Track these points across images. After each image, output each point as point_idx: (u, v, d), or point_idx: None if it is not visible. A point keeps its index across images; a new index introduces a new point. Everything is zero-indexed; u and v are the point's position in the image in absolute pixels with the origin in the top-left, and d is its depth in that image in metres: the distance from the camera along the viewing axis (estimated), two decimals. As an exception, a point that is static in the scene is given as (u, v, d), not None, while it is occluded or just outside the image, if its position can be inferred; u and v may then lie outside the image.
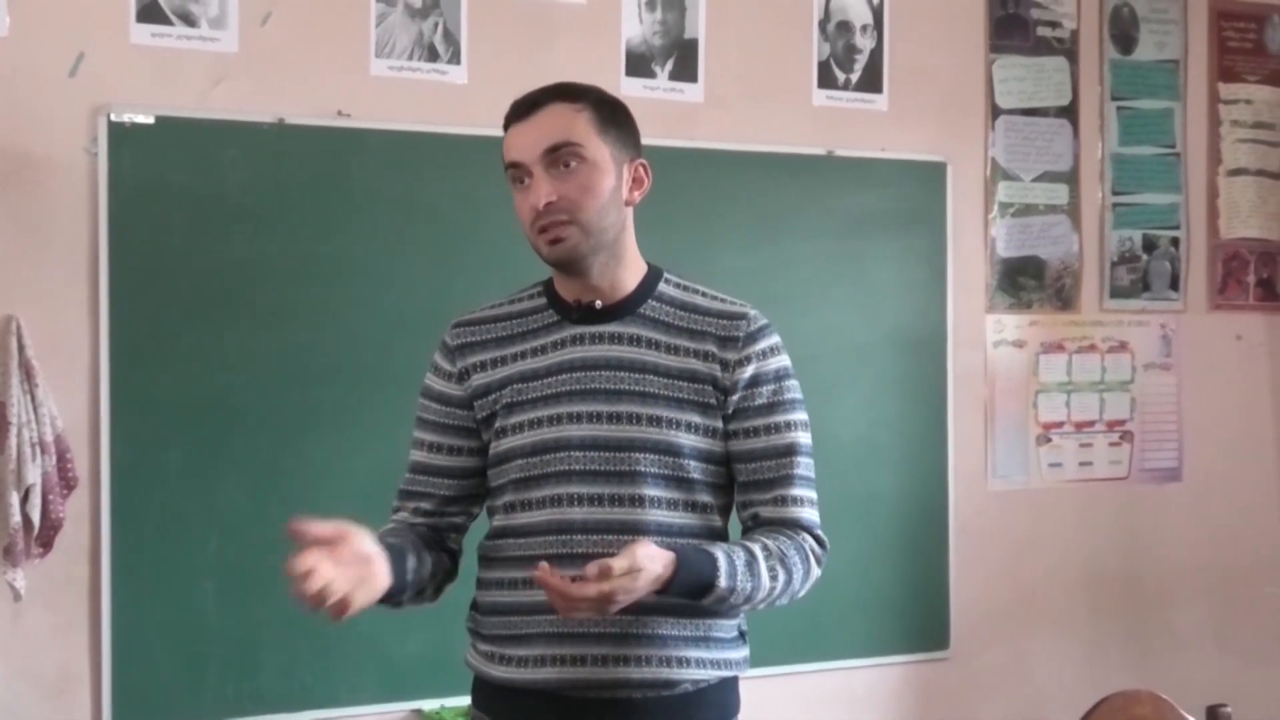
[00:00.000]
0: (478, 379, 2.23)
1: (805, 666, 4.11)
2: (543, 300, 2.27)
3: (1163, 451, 4.71)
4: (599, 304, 2.22)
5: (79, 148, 3.42)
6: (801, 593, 2.22)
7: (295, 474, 3.58)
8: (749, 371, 2.21)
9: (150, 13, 3.49)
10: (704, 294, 2.29)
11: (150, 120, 3.45)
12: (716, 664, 2.20)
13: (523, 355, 2.22)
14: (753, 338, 2.23)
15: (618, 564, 1.93)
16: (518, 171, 2.17)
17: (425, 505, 2.29)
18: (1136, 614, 4.68)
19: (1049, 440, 4.55)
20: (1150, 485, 4.69)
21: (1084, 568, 4.60)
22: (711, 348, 2.21)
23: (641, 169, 2.24)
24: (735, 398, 2.21)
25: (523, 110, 2.18)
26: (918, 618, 4.32)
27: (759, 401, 2.22)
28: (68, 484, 3.35)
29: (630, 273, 2.24)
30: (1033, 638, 4.53)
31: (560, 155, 2.13)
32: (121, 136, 3.42)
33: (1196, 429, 4.75)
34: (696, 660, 2.17)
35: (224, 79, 3.55)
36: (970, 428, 4.42)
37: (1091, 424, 4.61)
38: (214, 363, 3.51)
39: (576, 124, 2.16)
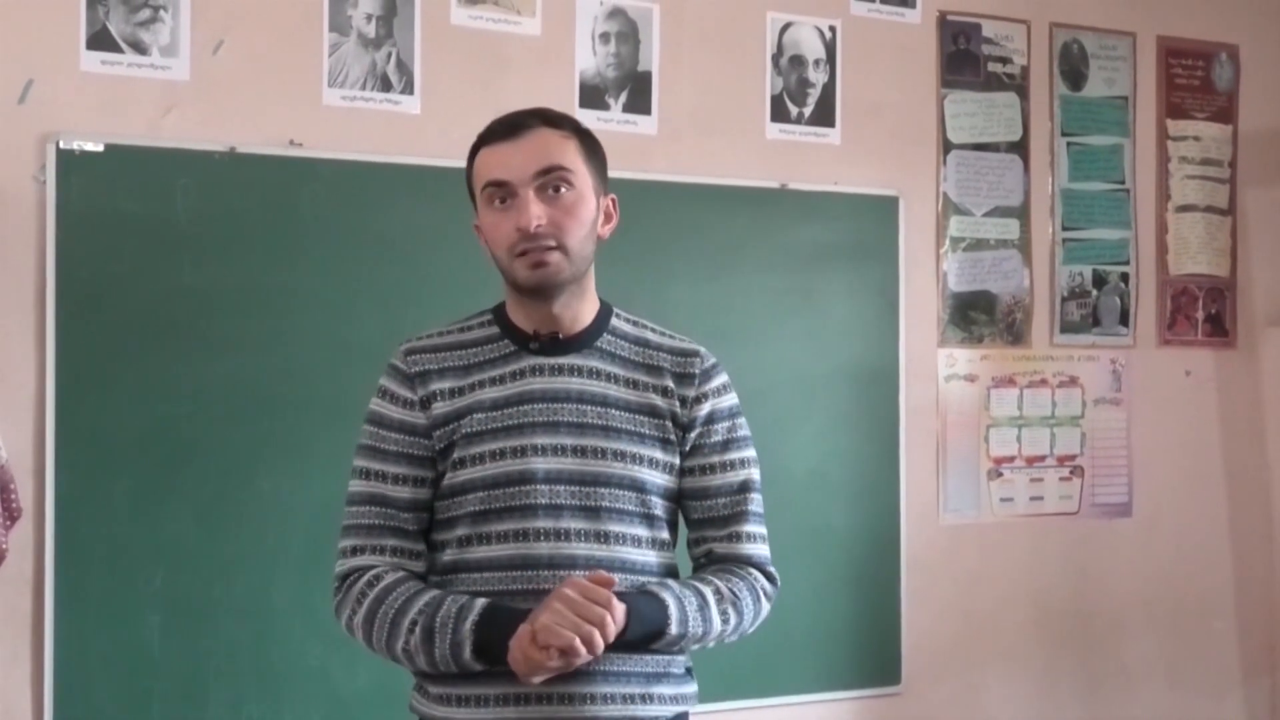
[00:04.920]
0: (439, 407, 2.15)
1: (755, 702, 4.08)
2: (495, 329, 2.22)
3: (1113, 486, 4.72)
4: (561, 335, 2.19)
5: (27, 175, 3.39)
6: (750, 630, 2.24)
7: (243, 506, 3.54)
8: (705, 409, 2.22)
9: (100, 40, 3.46)
10: (653, 329, 2.28)
11: (100, 148, 3.42)
12: (675, 699, 2.19)
13: (481, 385, 2.16)
14: (707, 375, 2.24)
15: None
16: (500, 191, 2.11)
17: (398, 543, 2.15)
18: (1087, 648, 4.68)
19: (1000, 475, 4.56)
20: (1100, 520, 4.71)
21: (1035, 602, 4.61)
22: (669, 383, 2.21)
23: (612, 204, 2.23)
24: (693, 434, 2.21)
25: (507, 130, 2.13)
26: (869, 653, 4.30)
27: (715, 439, 2.23)
28: (11, 515, 3.30)
29: (588, 306, 2.22)
30: (984, 672, 4.53)
31: (551, 179, 2.10)
32: (70, 164, 3.39)
33: (1146, 464, 4.77)
34: (659, 696, 2.15)
35: (175, 107, 3.53)
36: (922, 462, 4.42)
37: (1042, 459, 4.62)
38: (162, 393, 3.47)
39: (567, 150, 2.14)
